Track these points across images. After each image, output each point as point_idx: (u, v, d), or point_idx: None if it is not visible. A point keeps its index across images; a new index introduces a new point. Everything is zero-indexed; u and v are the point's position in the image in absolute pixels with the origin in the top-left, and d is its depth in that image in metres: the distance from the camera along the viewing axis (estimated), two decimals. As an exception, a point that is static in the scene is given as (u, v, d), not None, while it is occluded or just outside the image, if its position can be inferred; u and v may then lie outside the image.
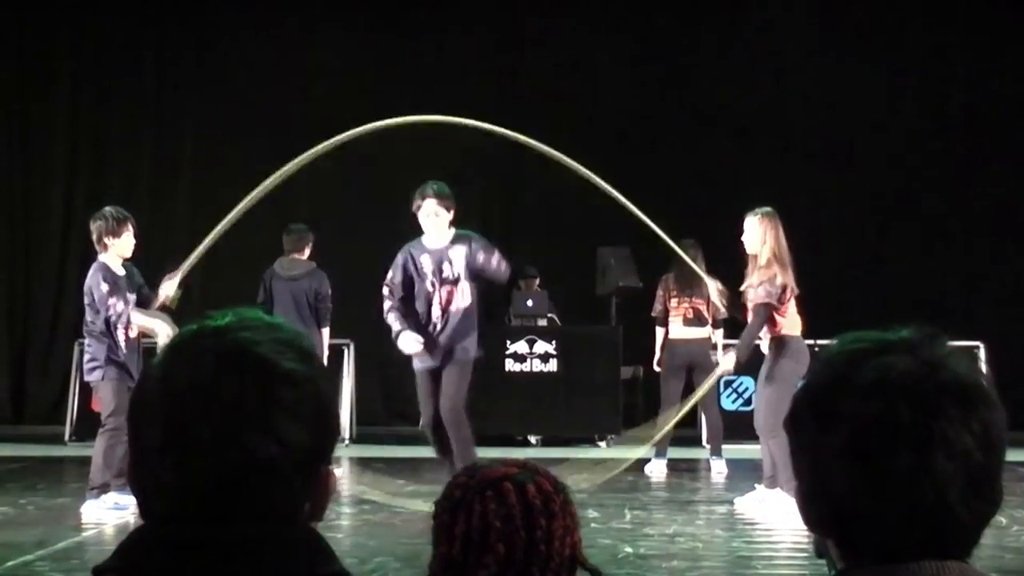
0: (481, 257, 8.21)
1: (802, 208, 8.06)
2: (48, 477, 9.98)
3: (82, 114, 14.92)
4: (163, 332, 8.10)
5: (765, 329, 8.28)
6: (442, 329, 8.21)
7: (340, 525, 7.72)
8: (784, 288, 8.18)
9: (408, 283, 8.24)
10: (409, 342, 8.11)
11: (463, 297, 8.22)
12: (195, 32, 14.80)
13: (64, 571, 6.29)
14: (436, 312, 8.21)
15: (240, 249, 11.08)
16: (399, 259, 8.30)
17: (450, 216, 8.22)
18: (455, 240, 8.27)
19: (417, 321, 8.23)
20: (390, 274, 8.30)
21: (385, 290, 8.27)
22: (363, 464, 11.06)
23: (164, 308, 8.35)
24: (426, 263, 8.21)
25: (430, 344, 8.18)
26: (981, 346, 11.95)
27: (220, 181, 14.54)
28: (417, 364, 8.32)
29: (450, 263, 8.20)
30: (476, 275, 8.26)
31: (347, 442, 12.32)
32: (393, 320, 8.21)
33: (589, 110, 14.49)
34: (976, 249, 14.30)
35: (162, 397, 1.43)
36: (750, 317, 8.34)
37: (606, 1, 14.86)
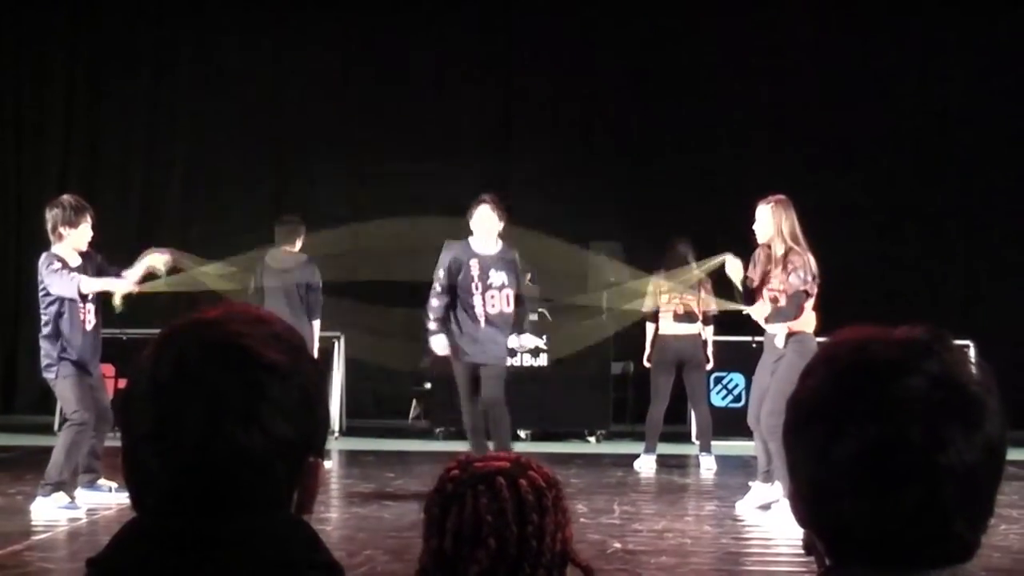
0: (522, 278, 8.91)
1: (801, 206, 8.04)
2: (37, 467, 9.91)
3: (77, 114, 14.86)
4: (158, 261, 8.06)
5: (785, 326, 7.95)
6: (484, 330, 8.63)
7: (329, 518, 7.71)
8: (814, 276, 7.90)
9: (453, 284, 8.64)
10: (439, 345, 8.68)
11: (506, 303, 8.72)
12: (191, 32, 14.74)
13: (52, 561, 6.27)
14: (479, 313, 8.64)
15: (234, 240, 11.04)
16: (445, 259, 8.71)
17: (502, 225, 8.72)
18: (504, 250, 8.78)
19: (449, 324, 8.64)
20: (439, 272, 8.68)
21: (436, 286, 8.67)
22: (353, 457, 11.05)
23: (150, 276, 8.20)
24: (474, 267, 8.65)
25: (471, 342, 8.60)
26: (971, 344, 11.96)
27: (213, 182, 14.53)
28: (458, 361, 8.69)
29: (497, 271, 8.67)
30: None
31: (337, 435, 12.32)
32: (431, 320, 8.69)
33: (588, 110, 14.47)
34: (972, 248, 14.30)
35: (149, 388, 1.44)
36: (780, 302, 7.96)
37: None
